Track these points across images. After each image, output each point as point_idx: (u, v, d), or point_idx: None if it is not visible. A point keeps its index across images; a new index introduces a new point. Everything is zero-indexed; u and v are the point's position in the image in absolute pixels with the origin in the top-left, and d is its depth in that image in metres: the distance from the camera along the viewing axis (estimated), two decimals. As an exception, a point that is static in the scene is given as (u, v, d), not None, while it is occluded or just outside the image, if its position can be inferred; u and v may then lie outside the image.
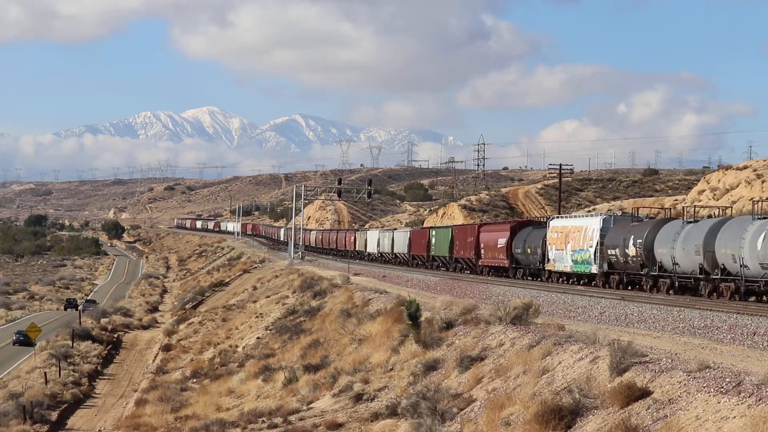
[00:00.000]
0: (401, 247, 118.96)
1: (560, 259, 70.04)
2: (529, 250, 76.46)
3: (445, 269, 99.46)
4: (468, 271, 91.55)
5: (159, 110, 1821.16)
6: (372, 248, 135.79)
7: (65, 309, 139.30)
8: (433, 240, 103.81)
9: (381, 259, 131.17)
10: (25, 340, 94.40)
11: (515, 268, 79.36)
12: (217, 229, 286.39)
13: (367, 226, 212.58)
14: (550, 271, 72.27)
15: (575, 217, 77.27)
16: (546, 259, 72.64)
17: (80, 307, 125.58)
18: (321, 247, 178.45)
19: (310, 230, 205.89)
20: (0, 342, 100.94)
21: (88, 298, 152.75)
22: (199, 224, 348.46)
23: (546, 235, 72.93)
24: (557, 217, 77.77)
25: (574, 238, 67.93)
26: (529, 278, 76.60)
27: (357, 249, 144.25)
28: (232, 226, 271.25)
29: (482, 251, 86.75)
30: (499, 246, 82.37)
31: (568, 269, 68.74)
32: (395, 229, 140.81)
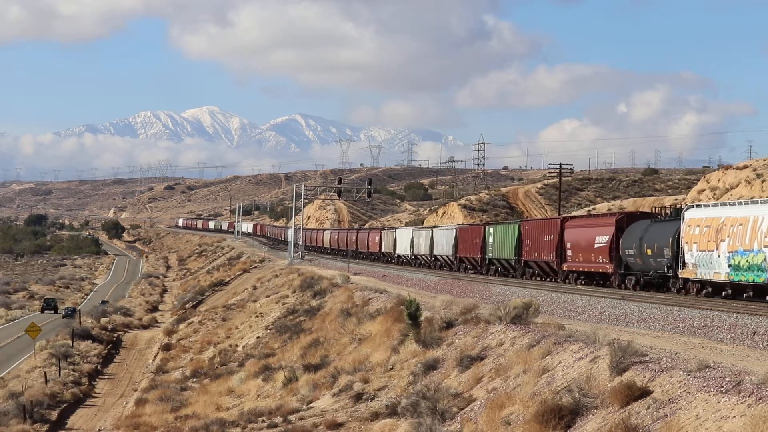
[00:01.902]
0: (444, 248, 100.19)
1: (706, 264, 51.06)
2: (649, 251, 57.27)
3: (507, 275, 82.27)
4: (546, 279, 74.46)
5: (159, 110, 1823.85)
6: (403, 250, 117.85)
7: (42, 311, 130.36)
8: (491, 239, 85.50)
9: (415, 262, 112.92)
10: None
11: (624, 274, 60.92)
12: (231, 230, 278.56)
13: (367, 225, 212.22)
14: (686, 280, 53.23)
15: (731, 205, 52.06)
16: (680, 264, 53.46)
17: (63, 313, 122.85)
18: (337, 248, 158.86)
19: (324, 230, 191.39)
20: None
21: (69, 307, 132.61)
22: (211, 224, 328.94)
23: (680, 230, 53.84)
24: (698, 206, 56.03)
25: (733, 234, 49.23)
26: (643, 289, 58.09)
27: (383, 251, 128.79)
28: (245, 226, 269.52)
29: (568, 253, 69.22)
30: (597, 246, 64.95)
31: (721, 277, 49.59)
32: (435, 226, 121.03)
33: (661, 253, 56.05)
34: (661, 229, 57.27)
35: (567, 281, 68.95)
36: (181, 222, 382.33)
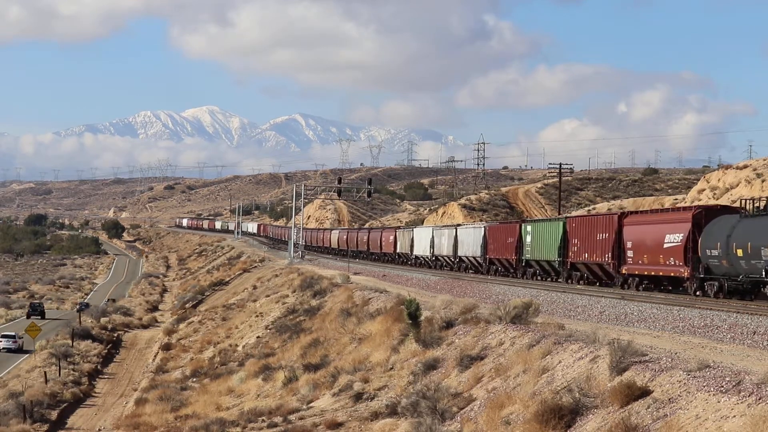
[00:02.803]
0: (470, 248, 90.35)
1: None
2: (739, 251, 47.97)
3: (549, 279, 73.03)
4: (599, 284, 64.69)
5: (159, 109, 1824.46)
6: (422, 250, 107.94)
7: (27, 317, 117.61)
8: (528, 238, 75.90)
9: (436, 264, 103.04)
10: (84, 308, 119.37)
11: (703, 279, 51.62)
12: (237, 229, 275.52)
13: (367, 225, 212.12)
14: None
15: None
16: None
17: (77, 308, 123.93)
18: (346, 249, 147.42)
19: (331, 230, 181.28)
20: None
21: (83, 302, 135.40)
22: (218, 224, 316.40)
23: None
24: None
25: None
26: (728, 297, 48.90)
27: (399, 251, 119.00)
28: (251, 226, 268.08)
29: (628, 254, 59.31)
30: (667, 245, 55.44)
31: None
32: (459, 224, 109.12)
33: (756, 255, 46.96)
34: (757, 226, 47.74)
35: (626, 286, 59.35)
36: (185, 222, 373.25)
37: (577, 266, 67.27)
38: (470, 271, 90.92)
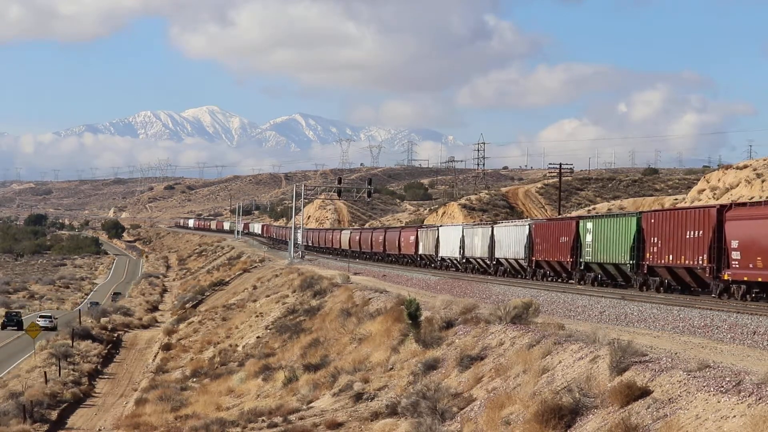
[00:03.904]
0: (511, 249, 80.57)
1: None
2: None
3: (616, 285, 62.68)
4: (688, 292, 54.63)
5: (159, 110, 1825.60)
6: (450, 251, 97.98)
7: (3, 327, 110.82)
8: (588, 237, 65.57)
9: (468, 266, 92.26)
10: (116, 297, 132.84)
11: None
12: (246, 231, 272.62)
13: (367, 225, 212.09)
14: None
15: None
16: None
17: (88, 306, 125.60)
18: (359, 250, 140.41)
19: (341, 230, 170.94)
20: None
21: (94, 301, 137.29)
22: (226, 225, 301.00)
23: None
24: None
25: None
26: None
27: (421, 253, 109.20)
28: (256, 227, 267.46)
29: (733, 255, 48.43)
30: None
31: None
32: (495, 222, 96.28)
33: None
34: None
35: (727, 295, 48.95)
36: (191, 223, 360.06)
37: (657, 270, 56.45)
38: (508, 274, 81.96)
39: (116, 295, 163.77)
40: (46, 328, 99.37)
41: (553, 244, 71.82)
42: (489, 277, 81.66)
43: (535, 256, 75.07)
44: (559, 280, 71.56)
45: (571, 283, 67.09)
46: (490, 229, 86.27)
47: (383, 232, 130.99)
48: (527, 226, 77.88)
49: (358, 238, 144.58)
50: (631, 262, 59.34)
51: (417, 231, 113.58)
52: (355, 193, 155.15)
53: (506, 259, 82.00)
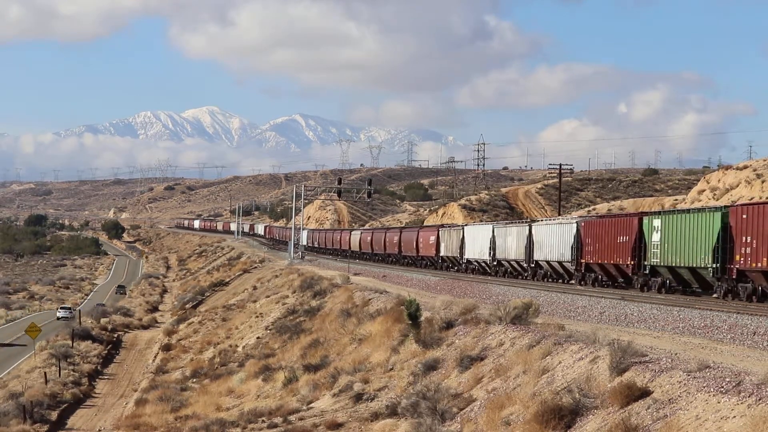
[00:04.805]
0: (555, 250, 71.88)
1: None
2: None
3: (690, 292, 54.09)
4: None
5: (159, 110, 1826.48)
6: (478, 253, 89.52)
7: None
8: (656, 236, 56.26)
9: (499, 270, 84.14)
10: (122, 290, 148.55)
11: None
12: (252, 232, 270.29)
13: (367, 225, 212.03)
14: None
15: None
16: None
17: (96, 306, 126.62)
18: (370, 252, 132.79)
19: (351, 230, 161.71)
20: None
21: (101, 303, 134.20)
22: (232, 226, 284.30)
23: None
24: None
25: None
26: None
27: (443, 254, 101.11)
28: (260, 227, 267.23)
29: None
30: None
31: None
32: (533, 220, 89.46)
33: None
34: None
35: None
36: (197, 224, 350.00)
37: (749, 276, 47.42)
38: (548, 279, 73.87)
39: (120, 288, 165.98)
40: (66, 318, 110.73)
41: (608, 245, 62.48)
42: (489, 277, 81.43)
43: (585, 258, 66.15)
44: (615, 285, 62.34)
45: (633, 290, 58.34)
46: (528, 227, 78.07)
47: (398, 233, 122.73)
48: (575, 224, 69.16)
49: (369, 238, 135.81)
50: (713, 265, 50.17)
51: (438, 231, 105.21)
52: (355, 193, 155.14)
53: (547, 262, 73.47)
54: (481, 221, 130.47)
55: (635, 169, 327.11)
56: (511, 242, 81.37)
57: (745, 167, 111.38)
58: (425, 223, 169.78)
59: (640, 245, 57.91)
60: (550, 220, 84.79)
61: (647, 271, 57.25)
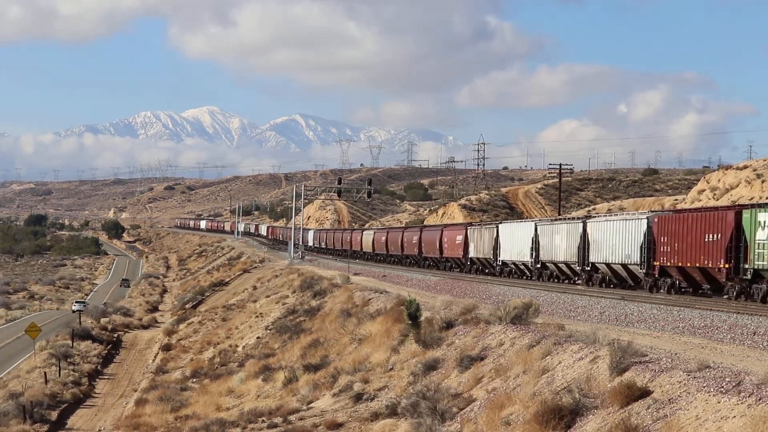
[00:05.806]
0: (619, 251, 60.95)
1: None
2: None
3: None
4: None
5: (159, 110, 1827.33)
6: (517, 255, 79.01)
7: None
8: (762, 234, 45.55)
9: (543, 274, 74.34)
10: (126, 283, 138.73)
11: None
12: (257, 233, 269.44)
13: (367, 225, 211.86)
14: None
15: None
16: None
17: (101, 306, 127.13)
18: (385, 253, 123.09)
19: (362, 230, 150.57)
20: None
21: (105, 302, 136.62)
22: (241, 227, 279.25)
23: None
24: None
25: None
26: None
27: (472, 256, 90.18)
28: (264, 228, 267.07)
29: None
30: None
31: None
32: (588, 216, 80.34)
33: None
34: None
35: None
36: (203, 224, 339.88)
37: None
38: (611, 285, 63.02)
39: (125, 281, 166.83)
40: (81, 311, 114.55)
41: (691, 245, 52.10)
42: (488, 277, 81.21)
43: (659, 260, 55.87)
44: (699, 294, 52.41)
45: (724, 299, 48.38)
46: (581, 225, 67.49)
47: (418, 232, 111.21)
48: (645, 220, 58.30)
49: (384, 238, 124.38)
50: None
51: (466, 229, 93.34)
52: (355, 193, 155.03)
53: (607, 264, 62.91)
54: (481, 221, 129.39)
55: (635, 169, 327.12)
56: (559, 242, 70.85)
57: (745, 167, 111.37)
58: (425, 223, 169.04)
59: (737, 245, 47.80)
60: (611, 215, 74.40)
61: (749, 276, 46.87)
